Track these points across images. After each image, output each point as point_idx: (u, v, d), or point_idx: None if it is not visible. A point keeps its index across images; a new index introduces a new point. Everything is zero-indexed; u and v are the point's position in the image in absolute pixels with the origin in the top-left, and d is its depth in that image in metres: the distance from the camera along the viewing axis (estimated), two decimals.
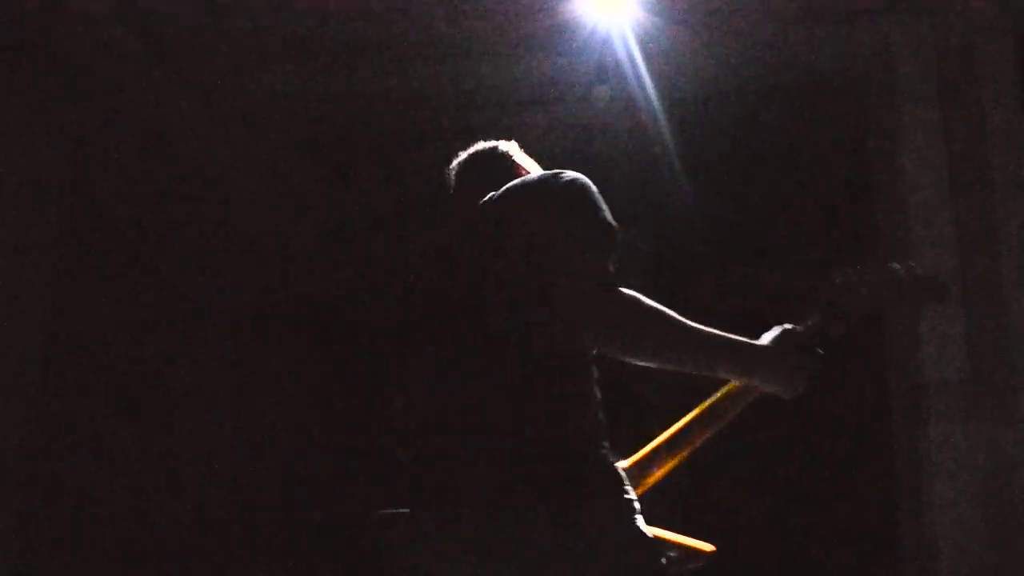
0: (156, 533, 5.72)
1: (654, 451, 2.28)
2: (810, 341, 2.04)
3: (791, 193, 6.07)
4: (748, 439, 3.63)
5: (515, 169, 2.21)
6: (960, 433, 4.21)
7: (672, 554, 2.16)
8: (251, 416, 6.83)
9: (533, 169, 2.23)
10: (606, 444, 1.87)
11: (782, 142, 5.65)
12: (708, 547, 2.37)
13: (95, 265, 5.37)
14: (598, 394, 1.89)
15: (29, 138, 4.72)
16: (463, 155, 2.30)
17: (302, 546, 6.66)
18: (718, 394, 2.22)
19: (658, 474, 2.27)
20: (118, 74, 5.02)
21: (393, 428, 2.09)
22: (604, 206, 1.91)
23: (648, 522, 1.88)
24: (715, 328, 1.88)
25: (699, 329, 1.86)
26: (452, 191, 2.27)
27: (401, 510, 2.32)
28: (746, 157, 5.68)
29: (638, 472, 2.22)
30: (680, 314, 1.86)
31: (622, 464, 2.16)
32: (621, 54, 4.50)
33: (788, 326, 2.04)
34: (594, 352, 1.90)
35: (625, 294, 1.82)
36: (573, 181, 1.94)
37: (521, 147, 2.30)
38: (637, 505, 1.85)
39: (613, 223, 1.88)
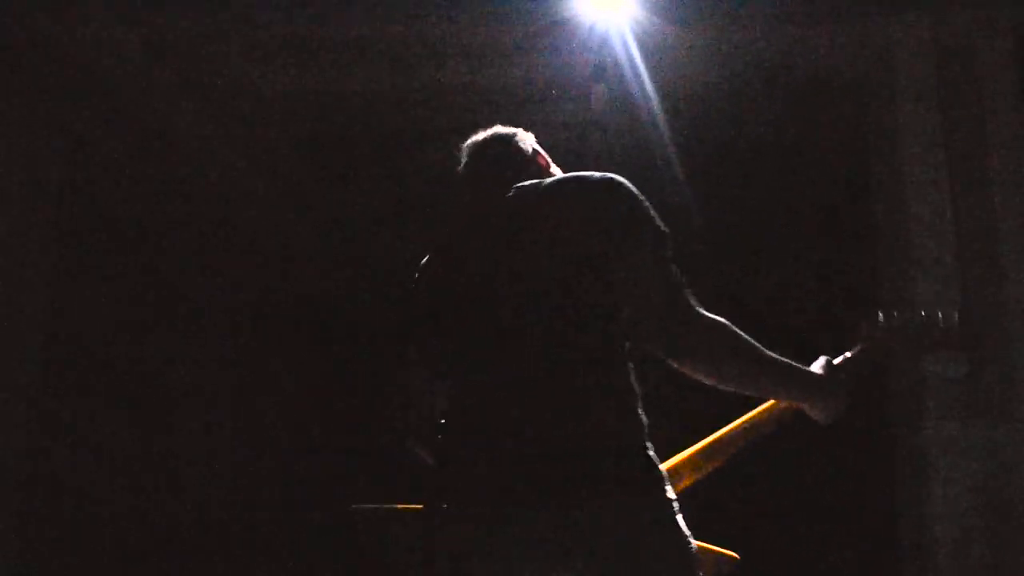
0: (156, 533, 5.71)
1: (691, 458, 2.30)
2: (851, 374, 2.12)
3: (790, 193, 6.06)
4: None
5: (537, 158, 2.18)
6: (959, 432, 4.21)
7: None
8: (251, 416, 6.82)
9: (550, 160, 2.21)
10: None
11: (781, 141, 5.64)
12: (732, 555, 2.39)
13: (95, 265, 5.37)
14: (639, 389, 1.89)
15: (29, 138, 4.73)
16: (481, 135, 2.22)
17: (302, 546, 6.66)
18: (759, 410, 2.28)
19: (687, 482, 2.28)
20: (118, 74, 5.02)
21: (423, 427, 2.02)
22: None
23: None
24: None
25: (773, 358, 1.91)
26: (470, 171, 2.18)
27: (388, 506, 2.30)
28: (745, 156, 5.68)
29: (670, 478, 2.24)
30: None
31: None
32: (619, 53, 4.50)
33: (828, 359, 2.12)
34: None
35: (710, 320, 1.86)
36: (629, 185, 1.94)
37: None
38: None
39: (667, 230, 1.91)
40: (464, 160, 2.20)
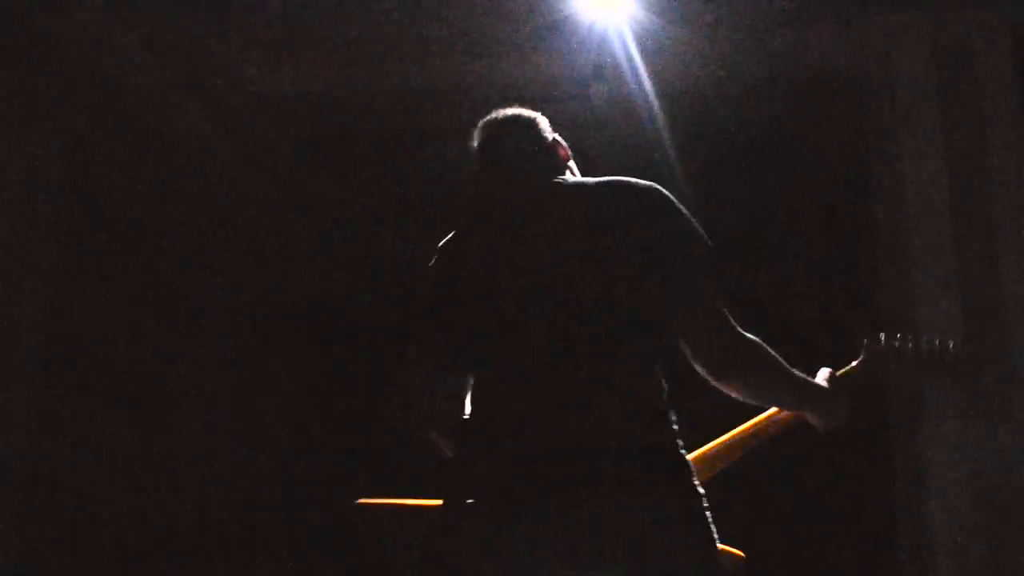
0: (156, 533, 5.72)
1: (701, 460, 2.31)
2: (852, 388, 2.19)
3: (789, 192, 6.07)
4: None
5: (558, 149, 2.14)
6: (959, 431, 4.20)
7: None
8: (251, 416, 6.83)
9: (569, 152, 2.18)
10: None
11: (780, 141, 5.65)
12: (739, 554, 2.41)
13: (95, 265, 5.37)
14: (666, 389, 1.91)
15: (29, 137, 4.73)
16: (501, 115, 2.15)
17: (302, 546, 6.66)
18: (763, 416, 2.32)
19: None
20: (118, 74, 5.02)
21: (436, 423, 1.98)
22: None
23: None
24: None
25: (795, 376, 1.97)
26: (492, 154, 2.11)
27: (393, 501, 2.28)
28: (744, 155, 5.68)
29: None
30: None
31: None
32: (618, 52, 4.50)
33: (831, 371, 2.18)
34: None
35: (751, 342, 1.89)
36: (674, 199, 1.95)
37: None
38: None
39: (713, 247, 1.93)
40: (482, 139, 2.14)
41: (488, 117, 2.16)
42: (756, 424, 2.35)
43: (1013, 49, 4.56)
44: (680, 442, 1.87)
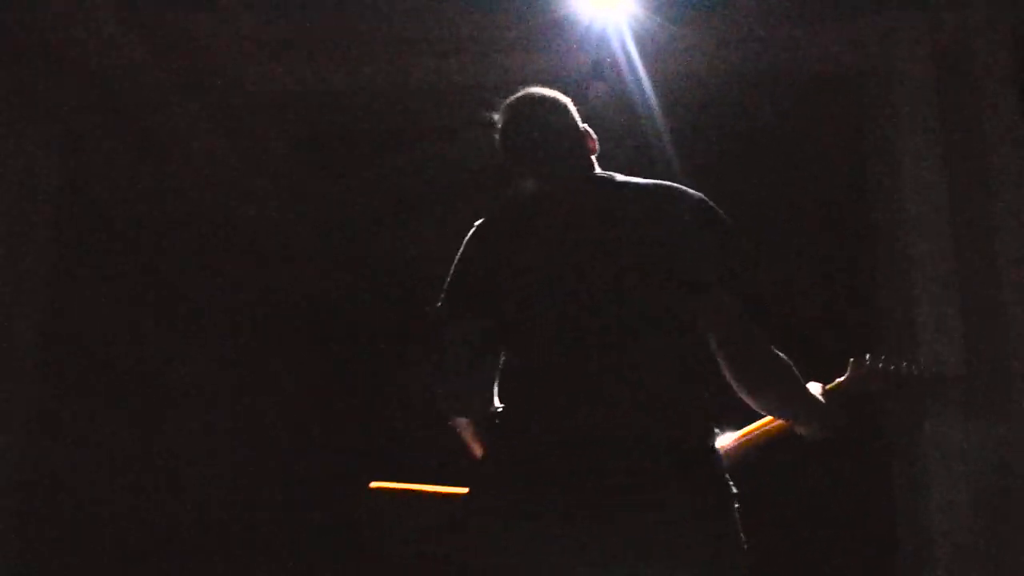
0: (156, 533, 5.71)
1: None
2: (844, 400, 2.27)
3: (788, 191, 6.06)
4: None
5: (588, 139, 2.11)
6: (957, 430, 4.20)
7: None
8: (251, 416, 6.82)
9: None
10: None
11: (779, 140, 5.64)
12: None
13: (94, 264, 5.37)
14: (708, 393, 1.95)
15: (28, 137, 4.73)
16: (534, 94, 2.10)
17: (302, 546, 6.65)
18: (757, 425, 2.39)
19: None
20: (118, 74, 5.02)
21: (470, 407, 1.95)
22: None
23: None
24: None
25: (807, 393, 2.05)
26: (527, 139, 2.06)
27: (410, 486, 2.26)
28: (743, 155, 5.68)
29: None
30: None
31: None
32: (617, 50, 4.49)
33: (821, 385, 2.25)
34: None
35: (782, 359, 1.94)
36: (721, 212, 2.00)
37: None
38: None
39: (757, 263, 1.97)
40: (513, 118, 2.07)
41: (518, 96, 2.10)
42: (749, 433, 2.41)
43: (1013, 49, 4.56)
44: (712, 441, 1.89)
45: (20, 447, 4.56)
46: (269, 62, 5.03)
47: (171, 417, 6.12)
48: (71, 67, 4.84)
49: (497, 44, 4.71)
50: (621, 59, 4.52)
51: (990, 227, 4.38)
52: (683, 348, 1.90)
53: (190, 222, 6.22)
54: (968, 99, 4.53)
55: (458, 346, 1.93)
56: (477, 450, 1.98)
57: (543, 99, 2.10)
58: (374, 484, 2.34)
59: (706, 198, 2.00)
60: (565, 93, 2.14)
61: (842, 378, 2.35)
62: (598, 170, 2.08)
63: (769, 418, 2.32)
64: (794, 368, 1.96)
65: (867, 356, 2.39)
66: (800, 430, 2.12)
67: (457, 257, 2.02)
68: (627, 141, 5.09)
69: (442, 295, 2.00)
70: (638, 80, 4.61)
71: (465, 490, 1.91)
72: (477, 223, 2.05)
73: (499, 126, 2.09)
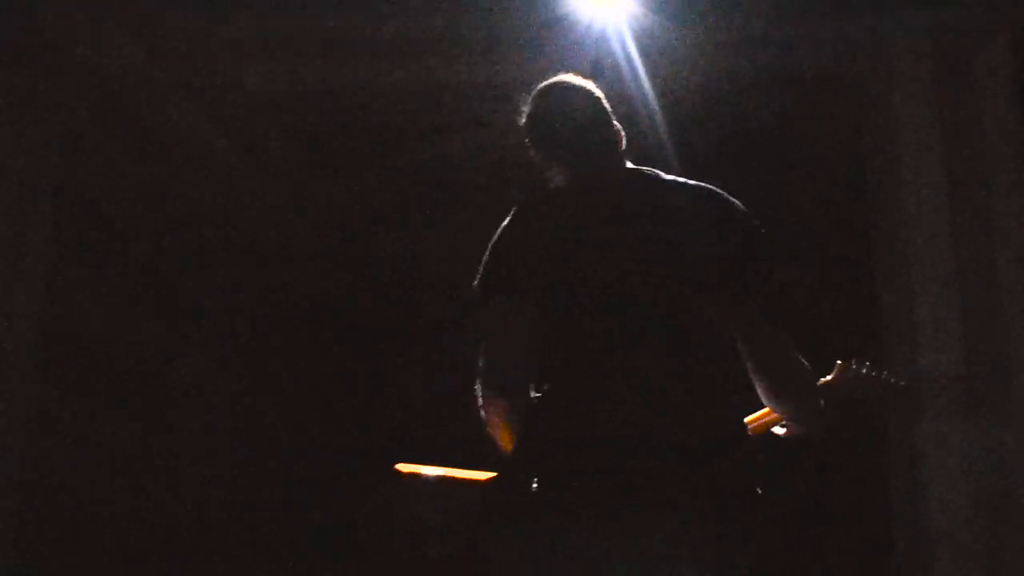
0: (156, 533, 5.71)
1: None
2: (834, 403, 2.26)
3: (787, 190, 6.06)
4: None
5: (618, 134, 2.06)
6: (956, 430, 4.20)
7: None
8: (251, 416, 6.83)
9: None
10: None
11: (779, 139, 5.65)
12: None
13: (94, 265, 5.37)
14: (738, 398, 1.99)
15: (28, 137, 4.73)
16: (568, 82, 2.03)
17: (302, 546, 6.66)
18: (754, 417, 2.34)
19: None
20: (118, 74, 5.02)
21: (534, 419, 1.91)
22: None
23: None
24: None
25: (820, 402, 2.06)
26: (567, 128, 1.99)
27: (439, 469, 2.25)
28: (742, 154, 5.68)
29: None
30: None
31: None
32: (617, 50, 4.49)
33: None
34: None
35: (808, 369, 1.97)
36: (759, 222, 1.98)
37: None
38: None
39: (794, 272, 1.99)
40: (542, 106, 2.00)
41: (548, 83, 2.04)
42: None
43: (1012, 49, 4.56)
44: (735, 443, 1.91)
45: (20, 447, 4.56)
46: (269, 62, 5.03)
47: (171, 417, 6.12)
48: (71, 67, 4.85)
49: (496, 44, 4.71)
50: (621, 59, 4.51)
51: (990, 227, 4.38)
52: (713, 351, 1.90)
53: (189, 222, 6.22)
54: (968, 99, 4.53)
55: (495, 324, 1.91)
56: (507, 443, 1.91)
57: (574, 87, 2.04)
58: (401, 466, 2.31)
59: (748, 211, 1.97)
60: None
61: (828, 377, 2.36)
62: (630, 164, 2.04)
63: (760, 413, 2.31)
64: (816, 377, 2.01)
65: (853, 361, 2.41)
66: (797, 429, 2.13)
67: (493, 240, 1.98)
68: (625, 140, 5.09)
69: (478, 277, 1.96)
70: (637, 80, 4.60)
71: (490, 475, 1.91)
72: (514, 209, 2.00)
73: (527, 114, 2.03)
